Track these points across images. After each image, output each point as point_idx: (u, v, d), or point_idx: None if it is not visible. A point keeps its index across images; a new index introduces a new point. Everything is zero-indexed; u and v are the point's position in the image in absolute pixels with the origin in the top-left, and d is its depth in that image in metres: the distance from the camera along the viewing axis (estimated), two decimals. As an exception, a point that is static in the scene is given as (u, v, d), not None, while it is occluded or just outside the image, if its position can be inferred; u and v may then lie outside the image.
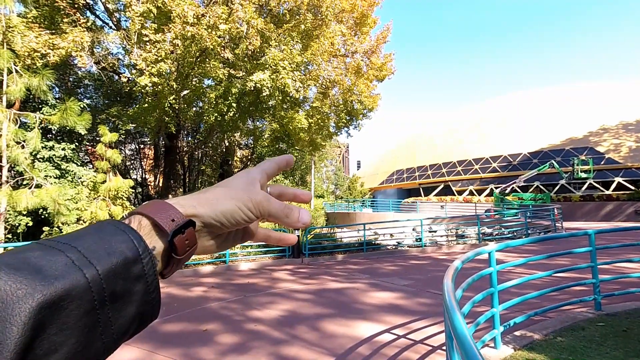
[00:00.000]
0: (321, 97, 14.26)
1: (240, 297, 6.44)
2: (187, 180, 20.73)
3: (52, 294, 0.25)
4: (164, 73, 9.96)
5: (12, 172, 10.15)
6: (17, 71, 8.42)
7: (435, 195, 36.22)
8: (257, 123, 17.32)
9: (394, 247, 12.56)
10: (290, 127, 13.27)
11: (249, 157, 21.67)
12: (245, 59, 11.59)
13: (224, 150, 20.67)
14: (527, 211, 15.11)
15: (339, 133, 17.52)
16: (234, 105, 12.38)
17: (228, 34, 10.21)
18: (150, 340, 4.38)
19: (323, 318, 5.11)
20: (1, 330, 0.23)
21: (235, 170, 20.93)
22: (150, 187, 24.43)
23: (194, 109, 14.54)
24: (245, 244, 9.10)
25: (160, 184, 20.17)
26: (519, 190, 27.78)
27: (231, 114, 12.75)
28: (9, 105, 8.67)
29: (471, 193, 33.88)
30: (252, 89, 10.96)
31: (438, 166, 39.33)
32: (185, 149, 19.39)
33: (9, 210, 9.81)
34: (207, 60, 10.68)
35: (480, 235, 13.01)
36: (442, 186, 37.32)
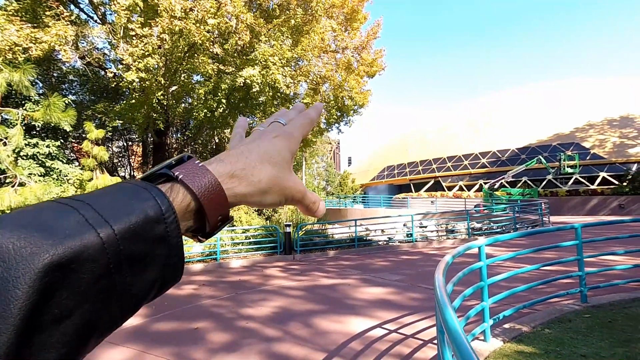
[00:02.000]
0: (312, 93, 14.20)
1: (231, 295, 6.40)
2: (176, 177, 20.43)
3: (60, 254, 0.22)
4: (151, 68, 9.77)
5: (-5, 170, 9.87)
6: (-3, 66, 8.15)
7: (426, 190, 36.53)
8: (248, 119, 17.18)
9: (385, 242, 12.63)
10: (281, 124, 13.15)
11: (240, 154, 21.46)
12: (235, 54, 11.45)
13: (214, 147, 20.46)
14: (516, 206, 15.35)
15: (329, 129, 17.50)
16: (224, 101, 12.23)
17: (217, 29, 10.06)
18: (141, 340, 4.32)
19: (315, 314, 5.11)
20: (3, 293, 0.21)
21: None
22: (138, 184, 24.05)
23: (183, 105, 14.33)
24: (236, 241, 8.94)
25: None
26: (507, 185, 28.24)
27: (221, 110, 12.60)
28: (-10, 101, 8.41)
29: (461, 188, 34.27)
30: (242, 84, 10.84)
31: (428, 162, 39.66)
32: (174, 145, 19.12)
33: (-9, 209, 9.54)
34: (195, 55, 10.52)
35: (470, 230, 13.18)
36: (432, 182, 37.66)
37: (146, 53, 9.37)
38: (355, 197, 34.85)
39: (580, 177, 28.39)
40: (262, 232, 12.21)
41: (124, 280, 0.26)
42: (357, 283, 6.92)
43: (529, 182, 30.56)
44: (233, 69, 11.38)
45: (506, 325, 4.16)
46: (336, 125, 16.88)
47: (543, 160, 25.37)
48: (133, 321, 4.98)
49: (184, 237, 0.32)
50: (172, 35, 9.35)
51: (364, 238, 12.74)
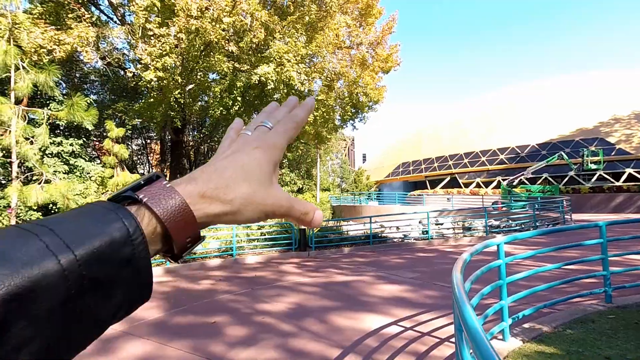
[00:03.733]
0: (326, 89, 14.17)
1: (247, 290, 6.49)
2: (193, 174, 20.81)
3: (17, 285, 0.22)
4: (168, 67, 9.96)
5: (22, 167, 10.29)
6: (24, 67, 8.48)
7: (442, 187, 35.99)
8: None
9: (400, 239, 12.53)
10: (296, 121, 13.19)
11: (255, 151, 21.65)
12: (250, 52, 11.53)
13: (230, 144, 20.70)
14: (535, 203, 14.94)
15: (344, 126, 17.45)
16: (239, 99, 12.36)
17: (232, 27, 10.15)
18: (160, 333, 4.44)
19: (330, 311, 5.13)
20: None
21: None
22: (157, 181, 24.60)
23: (199, 103, 14.56)
24: (252, 237, 8.98)
25: (167, 179, 20.30)
26: (527, 182, 27.47)
27: (236, 108, 12.74)
28: (17, 102, 8.74)
29: (478, 185, 33.60)
30: (257, 82, 10.93)
31: (444, 158, 39.01)
32: (191, 143, 19.48)
33: (19, 206, 9.97)
34: (211, 53, 10.66)
35: (488, 228, 12.92)
36: (448, 178, 37.04)
37: (164, 52, 9.56)
38: (370, 193, 34.66)
39: (604, 173, 27.35)
40: (277, 229, 12.31)
41: (87, 304, 0.26)
42: (372, 280, 6.90)
43: (549, 178, 29.67)
44: (248, 66, 11.48)
45: (526, 325, 4.07)
46: (351, 121, 16.80)
47: (565, 156, 24.55)
48: (153, 314, 5.13)
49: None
50: (188, 35, 9.49)
51: (379, 235, 12.68)
